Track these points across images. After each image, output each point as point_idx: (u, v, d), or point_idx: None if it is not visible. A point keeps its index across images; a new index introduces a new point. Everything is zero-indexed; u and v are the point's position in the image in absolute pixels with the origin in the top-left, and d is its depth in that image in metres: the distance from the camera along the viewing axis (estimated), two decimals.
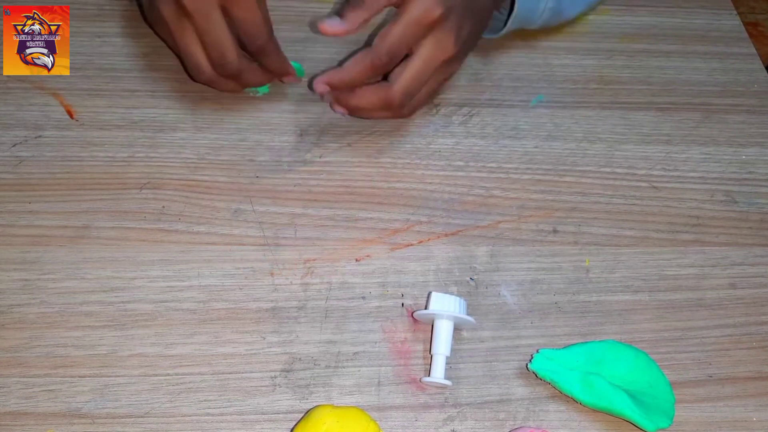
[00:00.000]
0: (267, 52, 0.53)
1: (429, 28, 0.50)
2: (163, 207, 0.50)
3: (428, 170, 0.55)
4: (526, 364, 0.46)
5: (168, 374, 0.44)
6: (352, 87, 0.52)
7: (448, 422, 0.44)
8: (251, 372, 0.44)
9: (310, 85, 0.55)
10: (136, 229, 0.49)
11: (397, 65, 0.51)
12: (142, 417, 0.42)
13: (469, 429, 0.44)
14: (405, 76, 0.51)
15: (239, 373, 0.44)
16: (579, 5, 0.63)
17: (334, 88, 0.51)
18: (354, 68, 0.50)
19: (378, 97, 0.52)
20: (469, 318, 0.45)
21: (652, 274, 0.51)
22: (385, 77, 0.53)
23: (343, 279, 0.49)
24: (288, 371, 0.45)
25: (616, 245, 0.52)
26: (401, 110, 0.53)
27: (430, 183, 0.54)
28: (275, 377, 0.44)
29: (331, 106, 0.55)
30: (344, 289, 0.48)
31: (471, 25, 0.52)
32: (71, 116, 0.54)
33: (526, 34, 0.64)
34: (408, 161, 0.55)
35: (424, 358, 0.46)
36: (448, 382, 0.44)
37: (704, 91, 0.63)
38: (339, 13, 0.50)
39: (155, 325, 0.45)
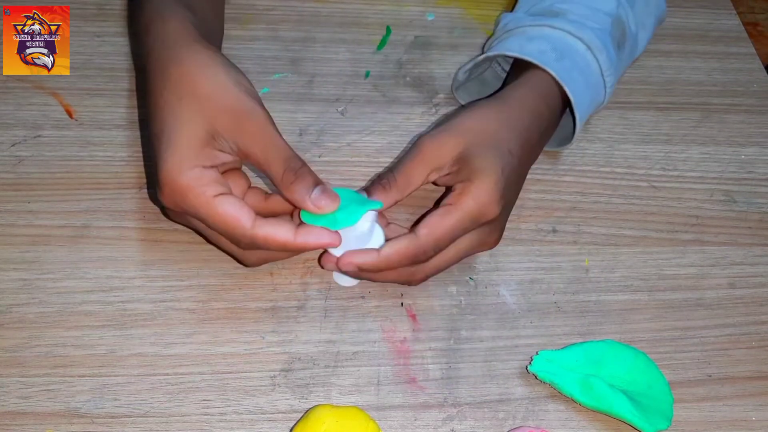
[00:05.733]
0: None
1: (481, 225, 0.46)
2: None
3: None
4: (526, 366, 0.46)
5: (167, 374, 0.44)
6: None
7: (447, 422, 0.44)
8: (250, 372, 0.44)
9: (319, 260, 0.48)
10: (136, 229, 0.49)
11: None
12: (141, 417, 0.42)
13: (469, 428, 0.44)
14: (434, 266, 0.46)
15: (238, 372, 0.44)
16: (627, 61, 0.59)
17: (363, 271, 0.44)
18: (392, 257, 0.44)
19: (401, 279, 0.46)
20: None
21: (651, 274, 0.51)
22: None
23: None
24: (287, 371, 0.45)
25: (615, 245, 0.52)
26: (418, 282, 0.48)
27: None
28: (274, 377, 0.44)
29: (319, 262, 0.48)
30: (343, 289, 0.48)
31: (514, 199, 0.50)
32: (70, 116, 0.54)
33: None
34: None
35: (424, 357, 0.46)
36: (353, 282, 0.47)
37: (703, 91, 0.63)
38: (367, 189, 0.46)
39: (154, 325, 0.45)
